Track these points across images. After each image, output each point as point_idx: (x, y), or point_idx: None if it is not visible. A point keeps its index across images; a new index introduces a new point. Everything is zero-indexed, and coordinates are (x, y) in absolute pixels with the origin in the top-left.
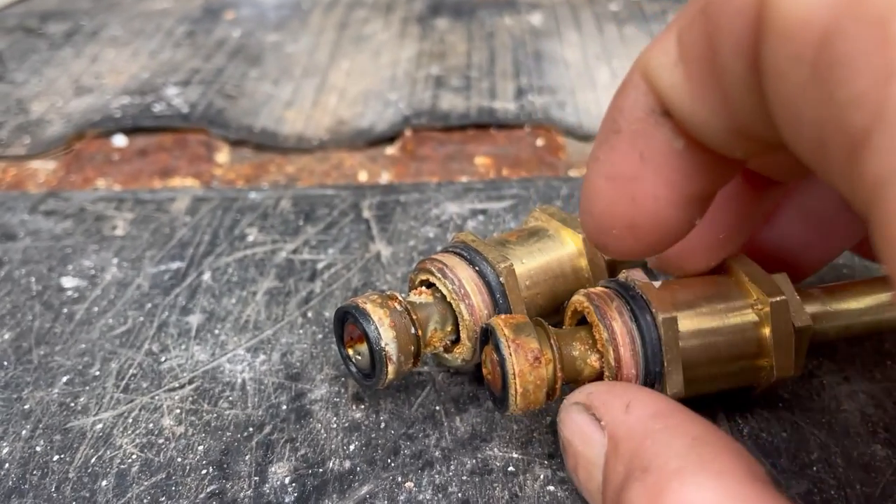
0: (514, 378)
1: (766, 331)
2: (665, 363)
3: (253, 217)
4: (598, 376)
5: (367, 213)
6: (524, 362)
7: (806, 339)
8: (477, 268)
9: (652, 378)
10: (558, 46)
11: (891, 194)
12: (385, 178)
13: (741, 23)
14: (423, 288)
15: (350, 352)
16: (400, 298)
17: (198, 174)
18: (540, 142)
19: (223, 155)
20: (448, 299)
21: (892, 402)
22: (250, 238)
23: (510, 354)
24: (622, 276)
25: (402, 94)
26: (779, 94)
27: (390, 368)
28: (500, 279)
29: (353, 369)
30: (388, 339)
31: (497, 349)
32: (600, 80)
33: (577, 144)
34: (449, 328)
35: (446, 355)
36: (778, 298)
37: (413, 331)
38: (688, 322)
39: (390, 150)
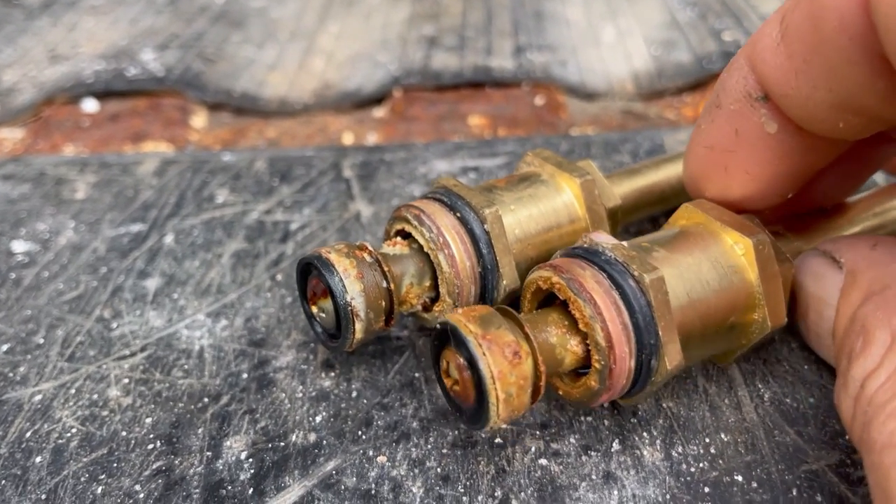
0: (494, 382)
1: (752, 276)
2: (660, 332)
3: (224, 178)
4: (581, 363)
5: (347, 173)
6: (502, 360)
7: (789, 281)
8: (458, 214)
9: (648, 353)
10: (560, 6)
11: None
12: (372, 140)
13: None
14: (399, 238)
15: (314, 309)
16: (370, 249)
17: (172, 139)
18: (539, 100)
19: (200, 119)
20: (425, 250)
21: None
22: (220, 199)
23: (483, 354)
24: (583, 241)
25: (393, 55)
26: None
27: (358, 326)
28: (485, 226)
29: (319, 329)
30: (354, 293)
31: (465, 350)
32: (605, 38)
33: (579, 104)
34: (427, 283)
35: (425, 315)
36: (758, 237)
37: (385, 285)
38: (673, 281)
39: (378, 111)
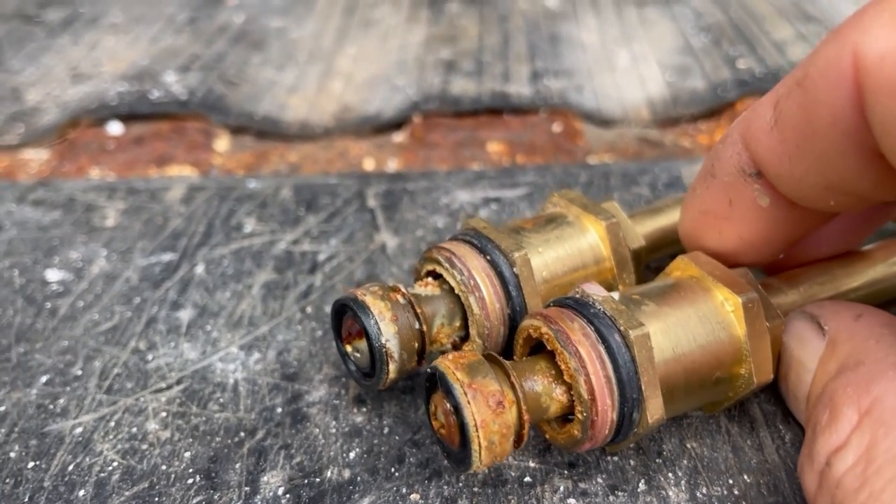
0: (477, 430)
1: (740, 332)
2: (643, 387)
3: (251, 206)
4: (567, 411)
5: (372, 202)
6: (485, 409)
7: (778, 339)
8: (488, 257)
9: (630, 406)
10: (575, 30)
11: None
12: (392, 165)
13: (837, 95)
14: (430, 279)
15: (349, 349)
16: (403, 291)
17: (196, 162)
18: (557, 127)
19: (223, 143)
20: (456, 291)
21: None
22: (248, 228)
23: (468, 402)
24: (575, 292)
25: (411, 79)
26: None
27: (391, 367)
28: (514, 269)
29: (352, 368)
30: (388, 335)
31: (451, 397)
32: (620, 63)
33: (595, 130)
34: (457, 323)
35: None
36: (748, 296)
37: (417, 326)
38: (660, 336)
39: (398, 137)
